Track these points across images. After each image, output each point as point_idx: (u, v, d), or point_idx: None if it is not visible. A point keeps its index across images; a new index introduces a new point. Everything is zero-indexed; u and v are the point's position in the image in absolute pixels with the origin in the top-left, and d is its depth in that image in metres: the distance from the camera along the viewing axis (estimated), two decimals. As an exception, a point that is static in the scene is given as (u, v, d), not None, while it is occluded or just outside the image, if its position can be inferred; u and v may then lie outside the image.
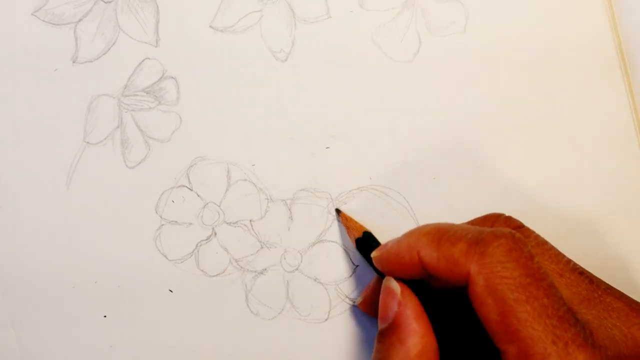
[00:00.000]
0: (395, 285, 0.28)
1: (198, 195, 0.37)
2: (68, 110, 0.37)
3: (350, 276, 0.36)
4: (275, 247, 0.37)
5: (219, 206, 0.37)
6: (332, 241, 0.37)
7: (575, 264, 0.28)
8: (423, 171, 0.37)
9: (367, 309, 0.34)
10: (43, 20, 0.37)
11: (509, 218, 0.31)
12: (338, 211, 0.36)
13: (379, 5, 0.38)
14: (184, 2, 0.38)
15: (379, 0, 0.38)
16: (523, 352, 0.24)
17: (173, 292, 0.36)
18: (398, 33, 0.38)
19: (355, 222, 0.35)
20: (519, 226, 0.30)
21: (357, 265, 0.37)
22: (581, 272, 0.28)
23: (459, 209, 0.37)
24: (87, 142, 0.37)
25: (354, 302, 0.36)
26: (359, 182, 0.37)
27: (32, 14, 0.37)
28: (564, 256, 0.29)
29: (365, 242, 0.33)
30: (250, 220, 0.37)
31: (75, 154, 0.37)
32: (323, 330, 0.36)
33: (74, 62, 0.37)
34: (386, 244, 0.30)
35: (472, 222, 0.32)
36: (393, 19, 0.38)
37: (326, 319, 0.36)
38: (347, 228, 0.35)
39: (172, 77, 0.37)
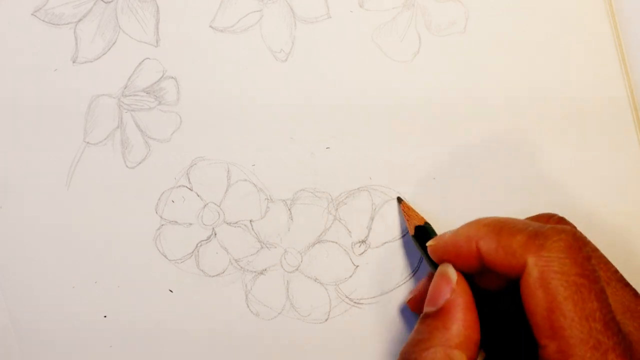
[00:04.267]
0: (453, 272, 0.28)
1: (198, 195, 0.37)
2: (68, 110, 0.37)
3: (351, 276, 0.36)
4: (275, 247, 0.37)
5: (219, 206, 0.37)
6: (332, 241, 0.37)
7: (621, 275, 0.28)
8: (423, 171, 0.37)
9: (416, 307, 0.34)
10: (43, 20, 0.37)
11: (563, 219, 0.31)
12: (400, 199, 0.36)
13: (379, 5, 0.38)
14: (184, 2, 0.38)
15: (379, 0, 0.38)
16: (563, 350, 0.24)
17: (173, 292, 0.36)
18: (398, 33, 0.38)
19: (417, 213, 0.35)
20: (573, 227, 0.30)
21: (357, 266, 0.37)
22: (627, 284, 0.28)
23: (459, 209, 0.37)
24: (87, 142, 0.37)
25: (354, 301, 0.36)
26: (359, 182, 0.37)
27: (32, 14, 0.37)
28: (612, 265, 0.29)
29: (423, 232, 0.33)
30: (250, 220, 0.37)
31: (75, 154, 0.37)
32: (323, 330, 0.36)
33: (74, 62, 0.37)
34: (443, 235, 0.30)
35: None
36: (393, 19, 0.38)
37: (326, 319, 0.36)
38: (408, 217, 0.35)
39: (172, 77, 0.37)
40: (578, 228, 0.33)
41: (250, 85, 0.37)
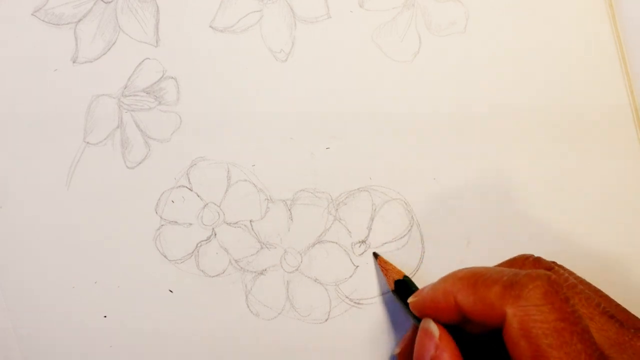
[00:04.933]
0: (434, 328, 0.28)
1: (198, 196, 0.37)
2: (68, 110, 0.37)
3: (351, 276, 0.36)
4: (275, 247, 0.37)
5: (219, 206, 0.37)
6: (332, 241, 0.37)
7: (604, 307, 0.28)
8: (423, 171, 0.37)
9: (406, 358, 0.34)
10: (43, 20, 0.37)
11: (539, 259, 0.31)
12: (376, 255, 0.36)
13: (379, 5, 0.38)
14: (184, 2, 0.38)
15: (379, 0, 0.38)
16: None
17: (173, 292, 0.36)
18: (398, 33, 0.38)
19: (394, 267, 0.35)
20: (549, 267, 0.30)
21: (357, 266, 0.37)
22: (611, 316, 0.28)
23: (459, 209, 0.37)
24: (87, 142, 0.37)
25: (354, 301, 0.36)
26: (359, 182, 0.37)
27: (32, 14, 0.37)
28: (595, 299, 0.29)
29: (403, 287, 0.33)
30: (250, 221, 0.37)
31: (75, 154, 0.37)
32: (323, 330, 0.36)
33: (74, 62, 0.37)
34: (422, 290, 0.30)
35: (500, 265, 0.32)
36: (393, 19, 0.38)
37: (326, 320, 0.36)
38: (386, 272, 0.35)
39: (172, 77, 0.37)
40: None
41: (250, 85, 0.37)
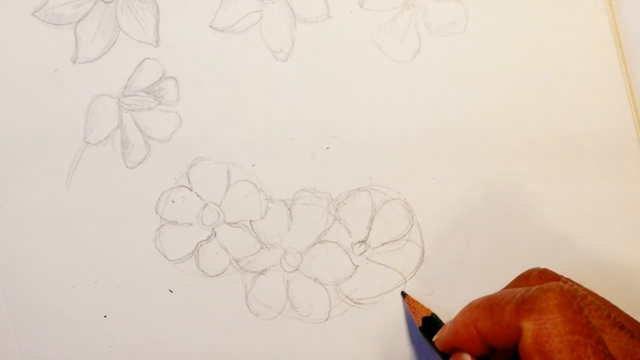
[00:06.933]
0: (467, 357, 0.29)
1: (198, 196, 0.37)
2: (68, 110, 0.37)
3: (351, 276, 0.36)
4: (275, 247, 0.37)
5: (219, 206, 0.37)
6: (332, 241, 0.37)
7: (615, 318, 0.28)
8: (423, 171, 0.37)
9: None
10: (43, 20, 0.37)
11: (544, 271, 0.31)
12: (404, 294, 0.36)
13: (379, 5, 0.38)
14: (184, 2, 0.38)
15: (379, 0, 0.38)
16: None
17: (173, 292, 0.36)
18: (398, 33, 0.38)
19: (421, 305, 0.35)
20: (557, 278, 0.30)
21: (357, 266, 0.37)
22: (622, 327, 0.28)
23: (459, 209, 0.37)
24: (87, 142, 0.37)
25: (354, 301, 0.36)
26: (359, 182, 0.37)
27: (32, 14, 0.37)
28: (605, 310, 0.28)
29: (430, 323, 0.34)
30: (250, 221, 0.37)
31: (75, 154, 0.37)
32: (323, 330, 0.36)
33: (74, 62, 0.37)
34: (444, 326, 0.30)
35: (508, 286, 0.32)
36: (393, 19, 0.38)
37: (326, 319, 0.36)
38: (414, 310, 0.35)
39: (172, 77, 0.37)
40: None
41: (250, 85, 0.37)
